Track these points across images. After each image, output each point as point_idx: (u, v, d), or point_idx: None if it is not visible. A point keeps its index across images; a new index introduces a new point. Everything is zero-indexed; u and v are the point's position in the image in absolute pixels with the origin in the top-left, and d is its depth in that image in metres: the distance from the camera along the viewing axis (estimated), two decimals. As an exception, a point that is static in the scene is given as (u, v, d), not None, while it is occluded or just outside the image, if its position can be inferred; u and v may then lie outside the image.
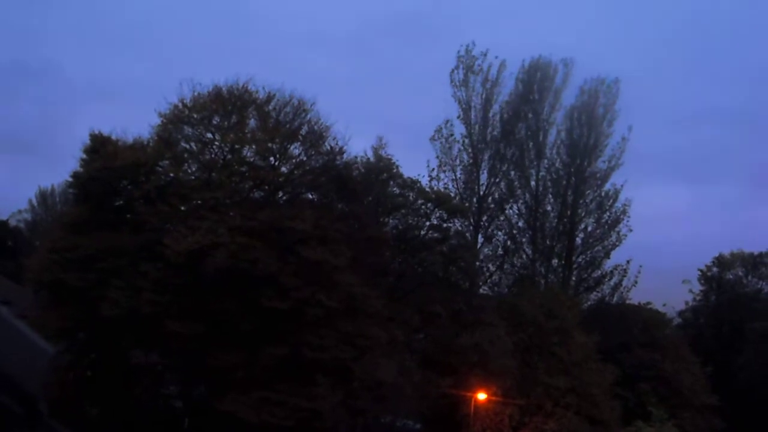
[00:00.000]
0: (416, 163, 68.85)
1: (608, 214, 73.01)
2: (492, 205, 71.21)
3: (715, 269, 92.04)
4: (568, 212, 72.79)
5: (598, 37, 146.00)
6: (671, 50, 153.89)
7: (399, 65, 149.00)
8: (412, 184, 54.61)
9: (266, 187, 46.45)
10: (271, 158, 46.26)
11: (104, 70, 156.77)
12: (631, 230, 72.31)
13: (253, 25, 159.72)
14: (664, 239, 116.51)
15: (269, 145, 45.69)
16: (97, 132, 45.54)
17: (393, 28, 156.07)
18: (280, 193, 47.59)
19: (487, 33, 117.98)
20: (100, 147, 44.83)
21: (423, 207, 54.74)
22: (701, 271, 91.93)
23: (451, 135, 70.53)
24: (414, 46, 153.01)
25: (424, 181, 61.08)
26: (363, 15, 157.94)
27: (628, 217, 72.41)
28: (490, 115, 71.31)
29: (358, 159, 52.19)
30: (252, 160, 45.72)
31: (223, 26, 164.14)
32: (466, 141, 70.56)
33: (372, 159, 52.89)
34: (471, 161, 70.36)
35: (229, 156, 45.58)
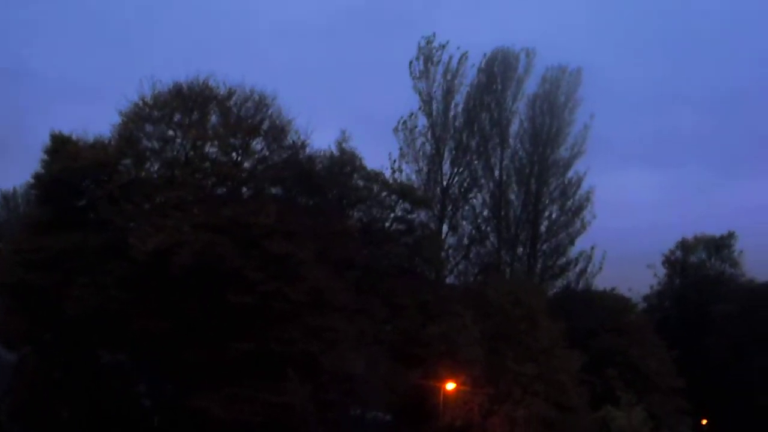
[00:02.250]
0: (381, 155, 69.18)
1: (572, 201, 74.96)
2: (456, 195, 72.49)
3: (678, 253, 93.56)
4: (533, 200, 74.40)
5: (560, 26, 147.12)
6: (634, 36, 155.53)
7: (365, 56, 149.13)
8: (376, 177, 55.40)
9: (229, 183, 46.83)
10: (234, 154, 46.69)
11: (73, 68, 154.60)
12: (595, 217, 74.33)
13: (217, 18, 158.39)
14: (628, 225, 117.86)
15: (231, 140, 46.12)
16: (57, 132, 45.57)
17: (359, 18, 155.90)
18: (244, 189, 47.94)
19: (453, 22, 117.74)
20: (60, 147, 44.82)
21: (387, 199, 55.63)
22: (665, 255, 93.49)
23: (415, 127, 71.96)
24: (381, 36, 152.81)
25: (389, 174, 62.23)
26: (329, 5, 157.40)
27: (592, 204, 74.46)
28: (452, 105, 72.74)
29: (322, 152, 52.82)
30: (214, 156, 46.14)
31: (186, 20, 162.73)
32: (429, 132, 72.01)
33: (335, 152, 53.65)
34: (434, 152, 71.72)
35: (192, 153, 45.82)
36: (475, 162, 73.51)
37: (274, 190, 49.09)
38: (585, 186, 74.80)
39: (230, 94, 47.13)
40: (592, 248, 74.37)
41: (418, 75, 71.94)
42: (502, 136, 74.40)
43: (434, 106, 71.75)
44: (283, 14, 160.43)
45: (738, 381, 74.16)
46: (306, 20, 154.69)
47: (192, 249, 40.99)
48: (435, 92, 71.88)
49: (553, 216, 75.02)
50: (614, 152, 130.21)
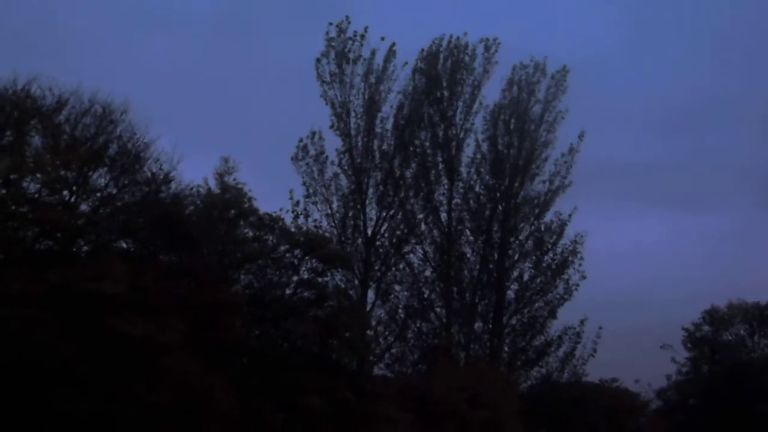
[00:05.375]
0: (281, 192, 70.27)
1: (552, 255, 77.00)
2: (386, 249, 73.76)
3: (706, 328, 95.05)
4: (495, 255, 76.12)
5: (535, 9, 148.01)
6: (644, 28, 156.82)
7: (263, 56, 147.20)
8: (272, 223, 56.49)
9: (59, 235, 46.56)
10: (66, 192, 46.61)
11: None
12: (585, 277, 76.22)
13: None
14: (633, 288, 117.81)
15: (62, 172, 45.99)
16: None
17: (260, 6, 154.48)
18: (80, 242, 48.00)
19: (388, 11, 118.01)
20: None
21: (288, 255, 56.58)
22: (687, 330, 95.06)
23: (322, 152, 72.91)
24: (287, 29, 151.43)
25: (290, 219, 63.76)
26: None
27: (581, 258, 76.23)
28: (377, 121, 73.83)
29: (195, 189, 53.58)
30: (37, 195, 45.78)
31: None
32: (344, 159, 73.08)
33: (215, 189, 54.39)
34: (352, 187, 72.75)
35: (3, 190, 45.43)
36: (412, 201, 75.10)
37: (124, 244, 49.43)
38: (570, 233, 76.82)
39: (61, 105, 47.12)
40: (582, 322, 75.78)
41: (328, 78, 73.18)
42: (451, 163, 76.08)
43: (352, 122, 73.15)
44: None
45: None
46: (179, 6, 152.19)
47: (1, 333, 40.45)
48: (353, 102, 73.17)
49: (525, 277, 76.78)
50: (614, 186, 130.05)
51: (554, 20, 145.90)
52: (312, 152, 72.71)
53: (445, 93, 76.13)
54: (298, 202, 69.93)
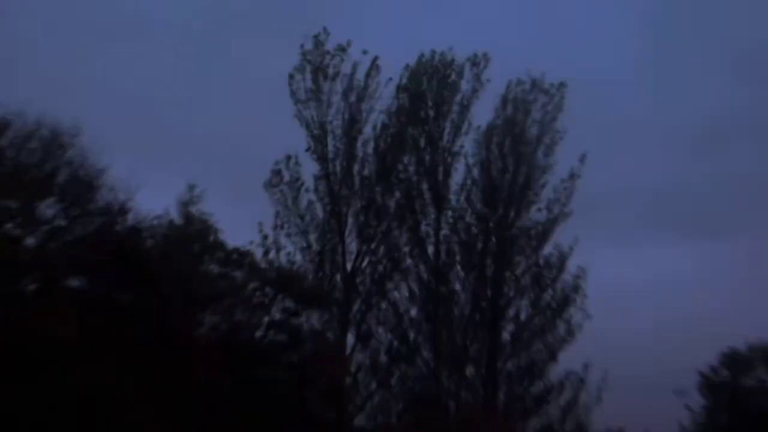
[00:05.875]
0: (251, 223, 68.05)
1: (552, 292, 75.22)
2: (368, 286, 72.52)
3: (725, 372, 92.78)
4: (489, 292, 74.66)
5: (529, 21, 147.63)
6: (660, 40, 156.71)
7: (236, 69, 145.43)
8: (241, 259, 55.82)
9: (1, 272, 45.14)
10: (9, 224, 45.81)
11: None
12: (588, 316, 74.42)
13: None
14: (641, 326, 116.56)
15: (5, 203, 45.43)
16: None
17: (240, 17, 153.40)
18: (25, 281, 47.00)
19: (373, 24, 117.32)
20: None
21: (258, 293, 55.94)
22: (703, 375, 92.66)
23: (298, 179, 71.65)
24: (262, 40, 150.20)
25: (261, 253, 63.52)
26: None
27: (584, 295, 74.63)
28: (359, 144, 72.59)
29: (154, 221, 52.73)
30: None
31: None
32: (321, 186, 71.76)
33: (177, 220, 53.65)
34: (330, 218, 71.59)
35: None
36: (396, 233, 73.79)
37: (75, 283, 48.47)
38: (572, 268, 75.30)
39: (2, 128, 46.31)
40: (587, 367, 73.98)
41: (303, 96, 71.74)
42: (438, 190, 74.87)
43: (330, 145, 71.65)
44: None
45: None
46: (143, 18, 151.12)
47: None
48: (331, 123, 71.75)
49: (523, 316, 75.17)
50: (621, 213, 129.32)
51: (561, 31, 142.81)
52: (287, 178, 71.36)
53: (431, 112, 74.87)
54: (266, 236, 68.84)
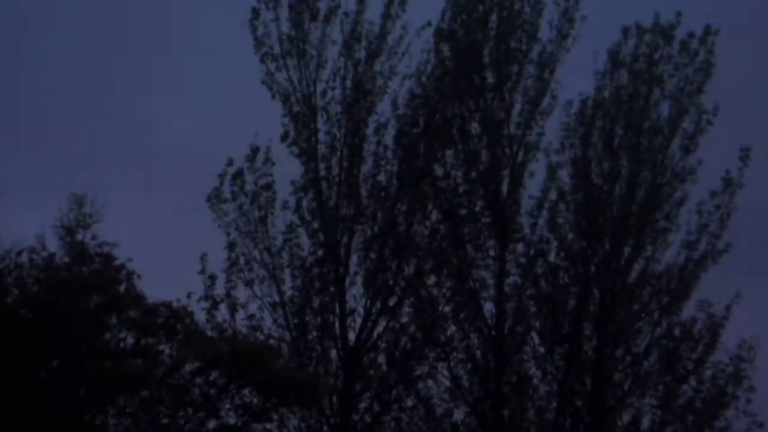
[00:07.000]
0: (191, 258, 50.65)
1: (695, 384, 55.02)
2: (382, 371, 52.72)
3: None
4: (587, 381, 55.89)
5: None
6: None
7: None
8: (173, 321, 41.38)
9: None
10: None
11: None
12: (758, 425, 54.00)
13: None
14: None
15: None
16: None
17: None
18: None
19: None
20: None
21: (200, 380, 42.00)
22: None
23: (269, 186, 51.68)
24: None
25: (206, 310, 48.52)
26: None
27: (750, 388, 54.23)
28: (369, 131, 52.46)
29: (25, 257, 40.45)
30: None
31: None
32: (307, 200, 52.36)
33: (61, 256, 40.87)
34: (321, 255, 51.57)
35: None
36: (430, 281, 53.68)
37: None
38: (729, 341, 54.68)
39: None
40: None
41: (277, 49, 51.91)
42: (502, 211, 53.44)
43: (322, 132, 51.86)
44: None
45: None
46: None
47: None
48: (325, 93, 51.17)
49: (645, 424, 54.82)
50: None
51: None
52: (249, 185, 51.14)
53: (489, 77, 53.75)
54: (214, 278, 50.26)
